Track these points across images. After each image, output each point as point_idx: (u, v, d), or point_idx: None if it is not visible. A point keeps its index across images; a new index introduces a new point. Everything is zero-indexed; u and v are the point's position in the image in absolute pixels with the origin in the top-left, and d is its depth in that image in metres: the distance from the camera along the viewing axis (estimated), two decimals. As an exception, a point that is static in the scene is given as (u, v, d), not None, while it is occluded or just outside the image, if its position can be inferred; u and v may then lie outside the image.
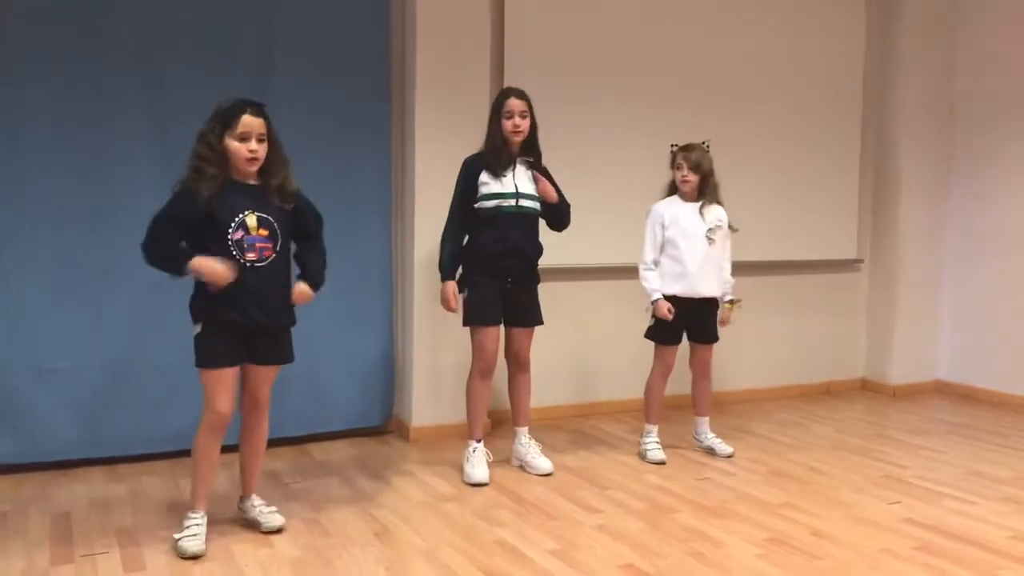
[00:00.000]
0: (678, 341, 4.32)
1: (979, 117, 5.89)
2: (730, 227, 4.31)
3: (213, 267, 2.99)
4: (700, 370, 4.44)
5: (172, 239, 3.03)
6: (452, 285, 3.96)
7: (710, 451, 4.43)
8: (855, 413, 5.47)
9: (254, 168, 3.04)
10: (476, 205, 3.94)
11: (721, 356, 5.62)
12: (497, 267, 3.94)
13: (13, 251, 3.92)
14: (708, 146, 4.23)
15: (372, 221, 4.62)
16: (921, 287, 6.04)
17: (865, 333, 6.21)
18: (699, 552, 3.17)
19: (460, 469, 4.04)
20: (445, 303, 3.97)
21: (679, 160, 4.21)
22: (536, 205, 4.02)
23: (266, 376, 3.23)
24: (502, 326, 4.05)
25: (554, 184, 4.07)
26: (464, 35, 4.64)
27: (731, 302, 4.40)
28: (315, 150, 4.21)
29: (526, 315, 4.06)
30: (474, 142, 4.18)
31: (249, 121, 2.99)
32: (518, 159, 3.99)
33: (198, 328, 3.10)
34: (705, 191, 4.21)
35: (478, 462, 3.99)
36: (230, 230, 3.00)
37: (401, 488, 3.86)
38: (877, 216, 6.13)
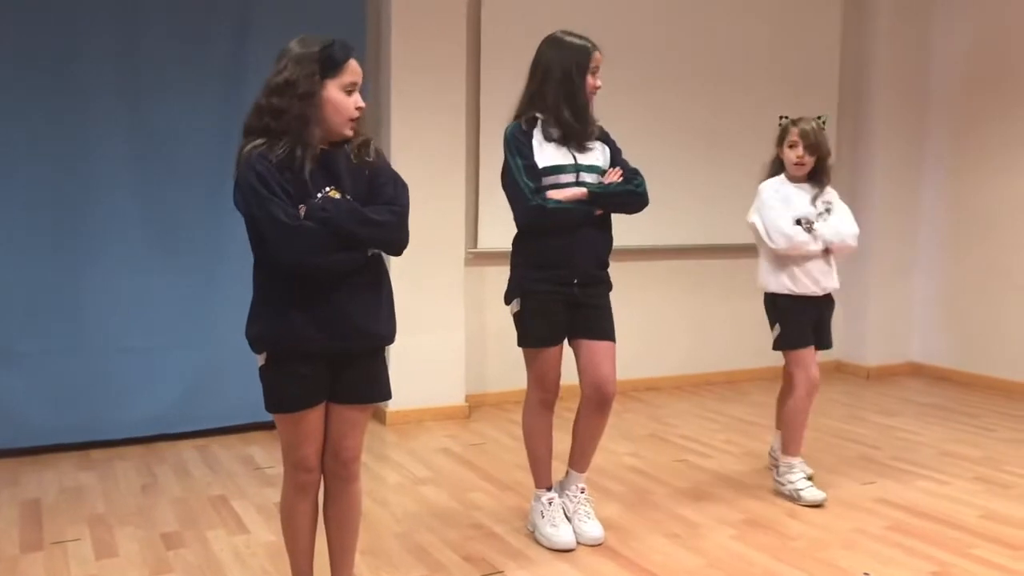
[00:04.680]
0: (814, 343, 3.72)
1: (954, 103, 5.91)
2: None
3: None
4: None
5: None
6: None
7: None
8: (830, 395, 5.50)
9: (351, 132, 2.25)
10: None
11: (696, 337, 5.67)
12: (557, 266, 2.99)
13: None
14: (824, 122, 3.62)
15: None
16: (894, 270, 6.08)
17: (840, 316, 6.22)
18: (675, 534, 3.18)
19: (533, 531, 3.14)
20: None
21: (793, 138, 3.55)
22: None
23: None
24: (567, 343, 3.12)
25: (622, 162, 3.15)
26: (439, 12, 4.61)
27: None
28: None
29: (598, 326, 3.07)
30: (450, 122, 4.07)
31: (357, 69, 2.23)
32: None
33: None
34: (820, 174, 3.59)
35: (559, 519, 3.09)
36: None
37: (377, 471, 3.84)
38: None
